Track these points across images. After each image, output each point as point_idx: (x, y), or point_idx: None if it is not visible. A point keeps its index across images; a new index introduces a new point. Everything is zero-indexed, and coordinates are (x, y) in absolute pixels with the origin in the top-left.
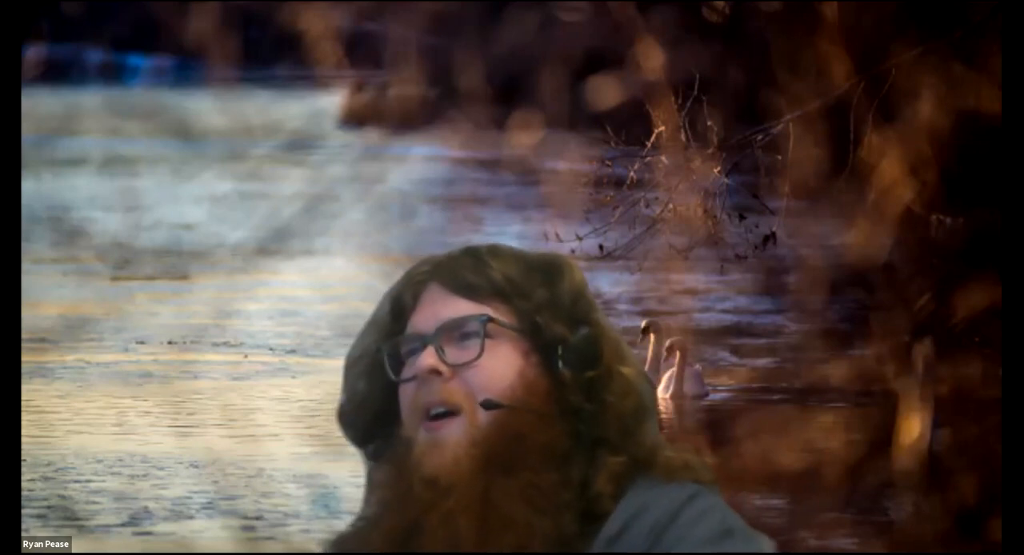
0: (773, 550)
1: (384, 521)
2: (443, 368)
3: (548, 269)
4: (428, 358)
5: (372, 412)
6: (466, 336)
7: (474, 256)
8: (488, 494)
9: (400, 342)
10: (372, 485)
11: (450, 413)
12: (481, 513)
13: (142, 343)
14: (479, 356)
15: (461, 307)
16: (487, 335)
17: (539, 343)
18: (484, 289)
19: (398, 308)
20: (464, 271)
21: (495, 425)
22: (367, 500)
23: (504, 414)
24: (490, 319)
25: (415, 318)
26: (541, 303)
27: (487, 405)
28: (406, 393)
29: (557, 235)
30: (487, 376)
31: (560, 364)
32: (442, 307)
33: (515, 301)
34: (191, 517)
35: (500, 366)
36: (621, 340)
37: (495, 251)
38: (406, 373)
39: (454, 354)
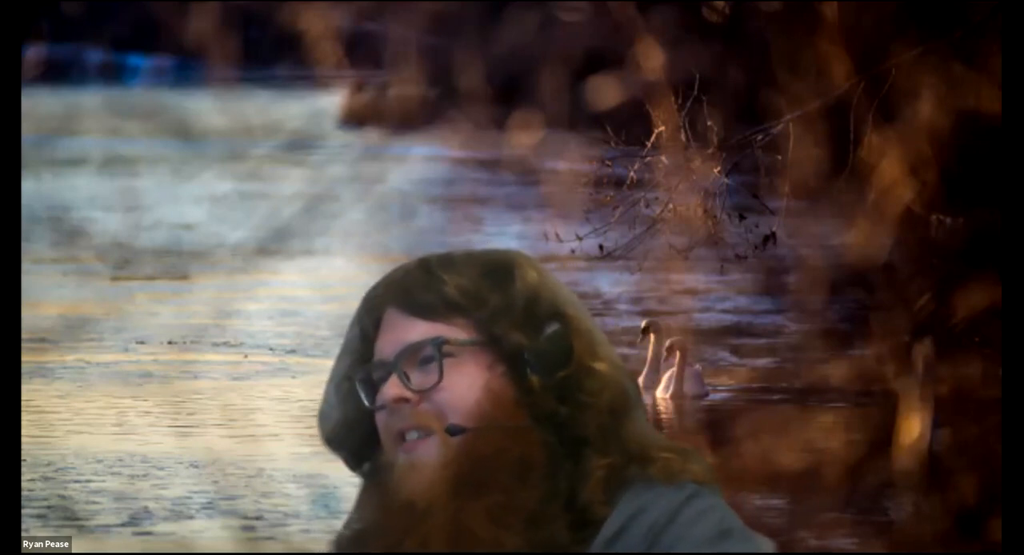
0: (772, 550)
1: (370, 545)
2: (409, 395)
3: (498, 273)
4: (392, 388)
5: (360, 436)
6: (426, 360)
7: (426, 271)
8: (459, 517)
9: (371, 368)
10: (361, 504)
11: (424, 435)
12: (453, 537)
13: (142, 343)
14: (439, 380)
15: (419, 329)
16: (447, 355)
17: (502, 352)
18: (439, 307)
19: (363, 334)
20: (417, 290)
21: (463, 447)
22: (358, 514)
23: (471, 436)
24: (445, 341)
25: (378, 344)
26: (496, 311)
27: (451, 431)
28: (381, 419)
29: (557, 235)
30: (451, 398)
31: (528, 370)
32: (401, 331)
33: (472, 313)
34: (191, 517)
35: (463, 385)
36: (595, 334)
37: (447, 262)
38: (378, 401)
39: (418, 379)
